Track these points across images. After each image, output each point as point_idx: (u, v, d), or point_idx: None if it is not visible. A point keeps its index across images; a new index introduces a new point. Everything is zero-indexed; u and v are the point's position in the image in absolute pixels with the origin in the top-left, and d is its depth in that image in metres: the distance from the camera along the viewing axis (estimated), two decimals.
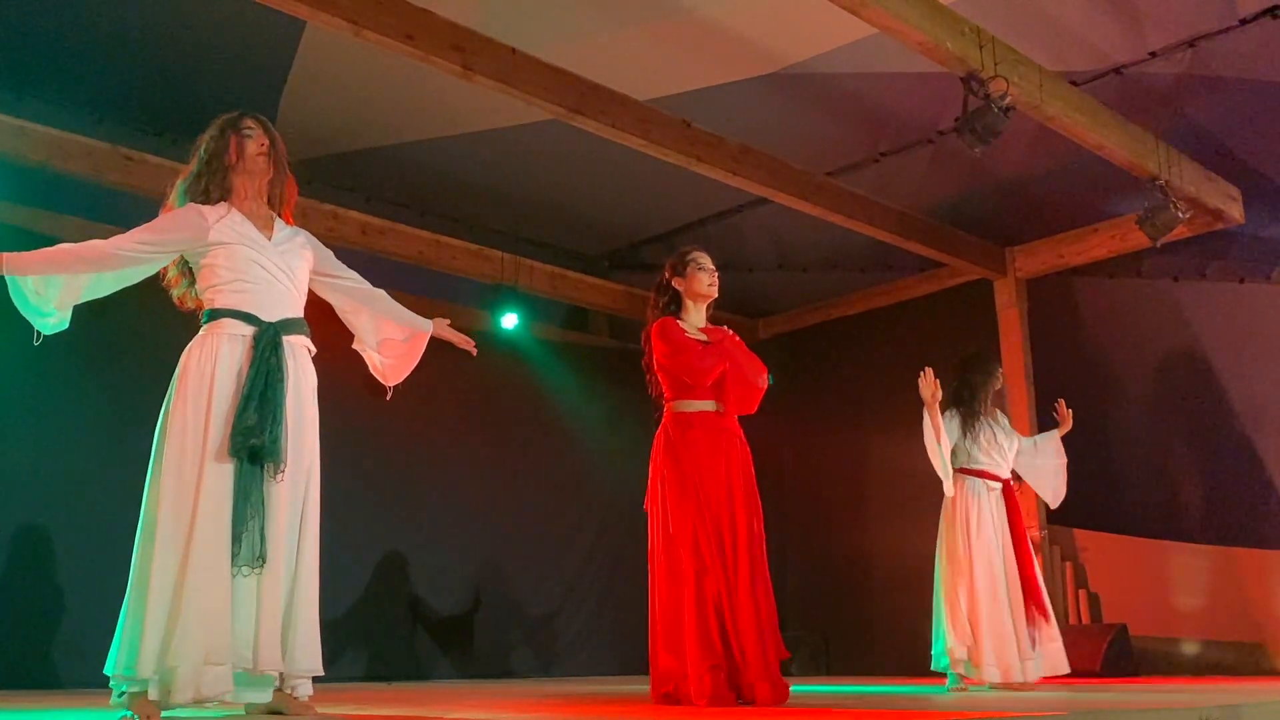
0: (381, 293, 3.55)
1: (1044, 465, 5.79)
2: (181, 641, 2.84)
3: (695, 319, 4.31)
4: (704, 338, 4.25)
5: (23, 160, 5.82)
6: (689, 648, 3.87)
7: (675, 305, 4.32)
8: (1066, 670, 5.41)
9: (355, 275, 3.53)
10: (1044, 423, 7.48)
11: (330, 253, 3.50)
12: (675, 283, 4.32)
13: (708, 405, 4.16)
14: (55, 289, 3.11)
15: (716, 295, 4.34)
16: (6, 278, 3.02)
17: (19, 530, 5.92)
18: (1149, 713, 3.14)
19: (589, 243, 8.82)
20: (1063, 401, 5.90)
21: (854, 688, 5.45)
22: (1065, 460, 5.82)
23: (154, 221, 3.21)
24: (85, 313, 6.35)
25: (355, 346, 3.57)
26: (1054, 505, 5.95)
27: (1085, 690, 4.87)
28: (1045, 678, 5.40)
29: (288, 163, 3.39)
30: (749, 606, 3.92)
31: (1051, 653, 5.41)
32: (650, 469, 4.24)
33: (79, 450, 6.04)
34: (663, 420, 4.25)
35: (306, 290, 3.37)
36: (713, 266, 4.32)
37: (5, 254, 2.97)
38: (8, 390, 6.03)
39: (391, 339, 3.56)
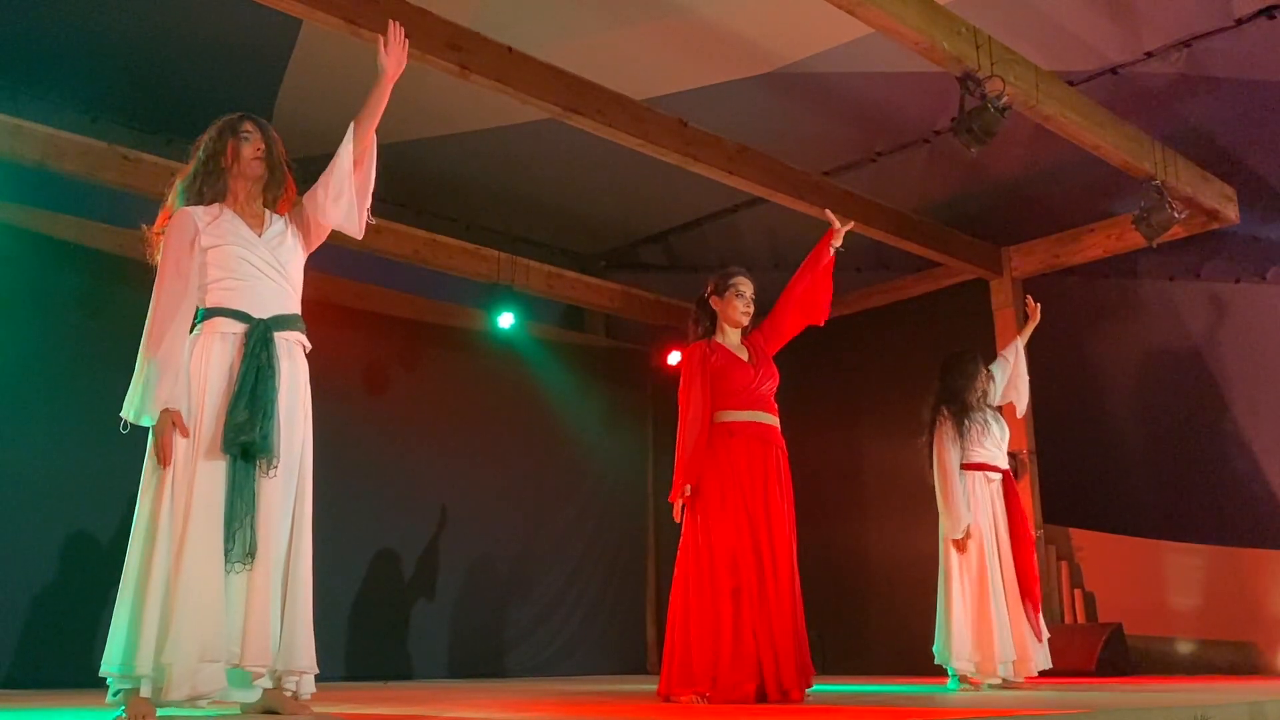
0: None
1: (1010, 382, 5.86)
2: (176, 639, 2.85)
3: (731, 335, 4.42)
4: (745, 351, 4.39)
5: (19, 159, 5.81)
6: (723, 661, 3.98)
7: (712, 323, 4.45)
8: (1049, 666, 5.42)
9: (328, 176, 3.33)
10: (1040, 422, 7.51)
11: (313, 195, 3.33)
12: (713, 302, 4.44)
13: (749, 415, 4.24)
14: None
15: (748, 323, 4.44)
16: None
17: (18, 530, 5.91)
18: (1145, 711, 3.15)
19: (585, 242, 8.83)
20: (1030, 297, 6.10)
21: (853, 687, 5.45)
22: (1025, 374, 5.92)
23: (166, 256, 3.15)
24: (81, 312, 6.41)
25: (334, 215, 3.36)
26: (1020, 414, 6.11)
27: (1081, 690, 4.88)
28: (1040, 673, 5.41)
29: (287, 163, 3.38)
30: (787, 625, 4.01)
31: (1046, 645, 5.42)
32: None
33: (77, 450, 6.02)
34: None
35: (300, 284, 3.36)
36: (751, 295, 4.44)
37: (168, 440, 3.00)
38: (7, 390, 6.02)
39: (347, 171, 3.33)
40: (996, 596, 5.32)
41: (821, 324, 4.59)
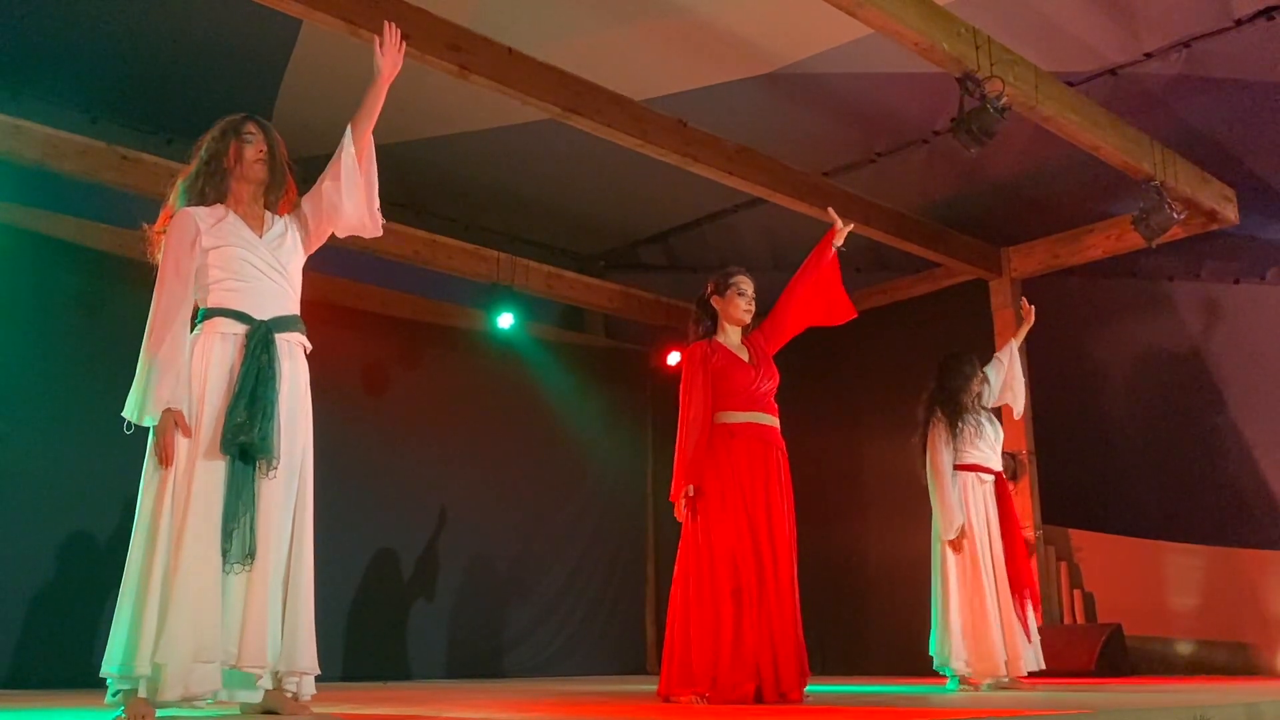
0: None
1: (1006, 384, 5.89)
2: (170, 639, 2.85)
3: (732, 336, 4.42)
4: (745, 351, 4.39)
5: (18, 159, 5.81)
6: (723, 661, 3.98)
7: (713, 323, 4.45)
8: (1043, 666, 5.41)
9: (330, 181, 3.35)
10: (1039, 423, 7.52)
11: (315, 196, 3.36)
12: (714, 301, 4.45)
13: (749, 416, 4.24)
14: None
15: (750, 321, 4.43)
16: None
17: (18, 530, 5.91)
18: (1144, 712, 3.15)
19: (585, 242, 8.83)
20: (1025, 300, 6.17)
21: (853, 688, 5.45)
22: (1020, 376, 5.95)
23: (167, 256, 3.15)
24: (80, 312, 6.41)
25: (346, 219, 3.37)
26: (1017, 416, 6.21)
27: (1080, 690, 4.88)
28: (1033, 673, 5.41)
29: (289, 164, 3.38)
30: (788, 626, 4.04)
31: (1036, 646, 5.42)
32: None
33: (77, 450, 6.02)
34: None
35: (300, 285, 3.37)
36: (752, 293, 4.44)
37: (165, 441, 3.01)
38: (6, 390, 6.02)
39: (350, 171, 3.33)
40: (990, 597, 5.32)
41: (843, 322, 4.62)
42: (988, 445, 5.58)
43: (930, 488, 5.52)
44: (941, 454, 5.49)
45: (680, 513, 4.21)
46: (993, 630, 5.25)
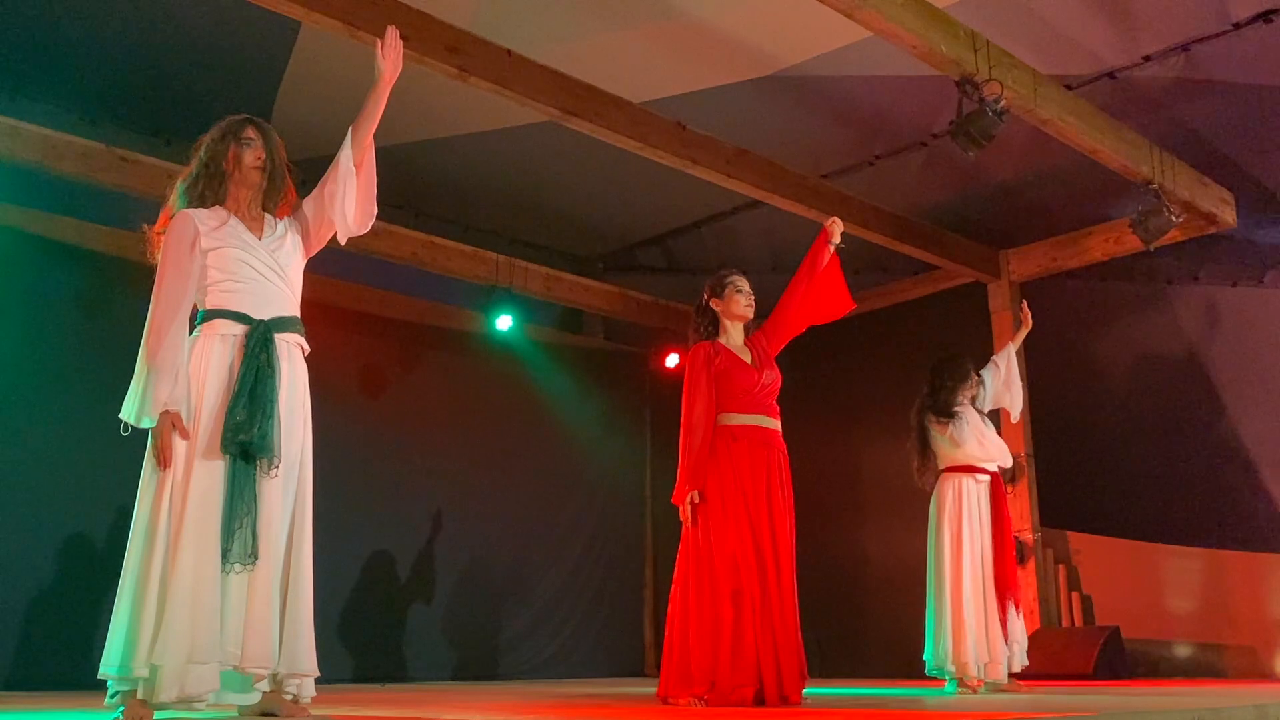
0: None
1: (1004, 387, 5.89)
2: (165, 640, 2.85)
3: (735, 337, 4.42)
4: (748, 353, 4.40)
5: (17, 160, 5.80)
6: (722, 664, 3.98)
7: (714, 327, 4.44)
8: (1021, 667, 5.41)
9: (330, 184, 3.34)
10: (1037, 425, 7.52)
11: (316, 199, 3.35)
12: (713, 304, 4.45)
13: (752, 419, 4.25)
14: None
15: (752, 316, 4.44)
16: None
17: (18, 531, 5.90)
18: (1143, 715, 3.15)
19: (583, 244, 8.83)
20: (1025, 303, 6.22)
21: (852, 690, 5.45)
22: (1018, 379, 5.95)
23: (166, 258, 3.14)
24: (78, 314, 6.41)
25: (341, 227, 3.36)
26: (1014, 419, 6.25)
27: (1078, 693, 4.88)
28: (1027, 676, 5.41)
29: (288, 166, 3.38)
30: (791, 629, 4.05)
31: (1017, 652, 5.42)
32: None
33: (75, 451, 6.02)
34: None
35: (300, 288, 3.37)
36: (749, 289, 4.45)
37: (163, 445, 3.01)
38: (5, 392, 6.02)
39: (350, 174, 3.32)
40: (976, 598, 5.32)
41: (844, 314, 4.64)
42: (983, 448, 5.58)
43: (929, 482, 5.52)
44: (934, 446, 5.52)
45: (685, 514, 4.21)
46: (972, 632, 5.25)
